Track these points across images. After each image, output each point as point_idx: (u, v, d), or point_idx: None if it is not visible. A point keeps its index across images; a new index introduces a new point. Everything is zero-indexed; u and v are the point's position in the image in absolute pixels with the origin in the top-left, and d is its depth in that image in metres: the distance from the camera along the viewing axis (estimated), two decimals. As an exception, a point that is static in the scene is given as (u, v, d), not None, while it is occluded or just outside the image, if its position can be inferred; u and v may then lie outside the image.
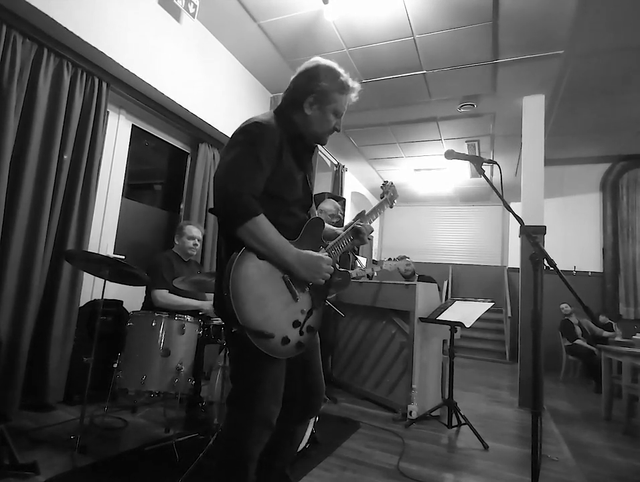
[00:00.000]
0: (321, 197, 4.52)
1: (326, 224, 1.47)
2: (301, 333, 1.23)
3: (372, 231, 1.48)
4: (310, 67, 1.29)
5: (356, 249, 4.87)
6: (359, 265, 4.17)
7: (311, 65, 1.30)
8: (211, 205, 3.98)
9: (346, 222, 6.62)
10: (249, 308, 1.10)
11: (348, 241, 1.42)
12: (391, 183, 1.67)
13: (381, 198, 1.64)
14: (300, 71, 1.31)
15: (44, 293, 2.60)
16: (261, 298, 1.13)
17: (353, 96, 1.34)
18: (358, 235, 1.42)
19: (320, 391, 1.43)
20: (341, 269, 1.41)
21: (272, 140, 1.19)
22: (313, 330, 1.28)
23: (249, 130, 1.20)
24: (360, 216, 1.49)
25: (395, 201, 1.69)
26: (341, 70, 1.30)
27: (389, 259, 3.28)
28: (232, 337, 1.22)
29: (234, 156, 1.15)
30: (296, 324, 1.21)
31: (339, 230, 1.47)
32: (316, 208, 2.32)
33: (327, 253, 1.32)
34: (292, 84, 1.32)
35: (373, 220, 1.52)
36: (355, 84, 1.32)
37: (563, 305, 5.62)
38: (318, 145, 1.45)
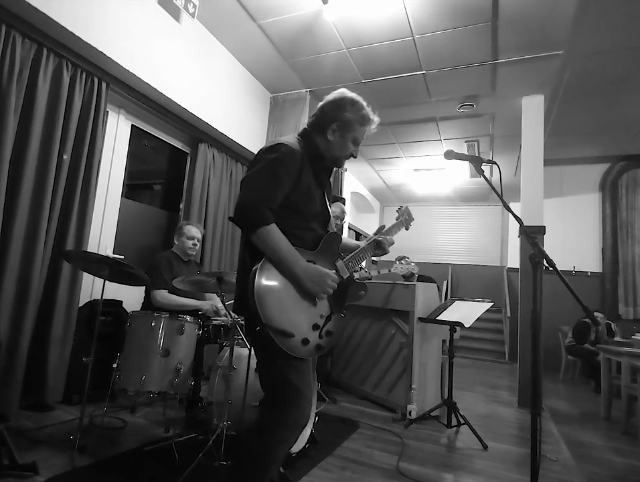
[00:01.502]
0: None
1: (346, 238, 1.59)
2: (320, 336, 1.31)
3: (393, 243, 1.61)
4: (338, 98, 1.41)
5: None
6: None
7: (338, 96, 1.41)
8: (210, 205, 3.99)
9: (346, 223, 6.62)
10: (272, 308, 1.18)
11: (367, 254, 1.53)
12: (406, 207, 1.79)
13: (397, 220, 1.74)
14: (328, 100, 1.43)
15: (43, 293, 2.60)
16: (282, 301, 1.22)
17: (372, 128, 1.45)
18: (380, 246, 1.56)
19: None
20: (358, 281, 1.48)
21: (293, 159, 1.29)
22: (332, 334, 1.36)
23: (273, 148, 1.30)
24: (379, 231, 1.60)
25: (411, 224, 1.80)
26: (364, 103, 1.42)
27: (399, 261, 3.27)
28: (258, 339, 1.29)
29: (255, 172, 1.27)
30: (315, 327, 1.29)
31: (361, 243, 1.57)
32: None
33: (343, 263, 1.42)
34: (320, 110, 1.43)
35: (391, 237, 1.63)
36: (375, 118, 1.44)
37: (597, 314, 5.45)
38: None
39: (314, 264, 1.30)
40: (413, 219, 1.81)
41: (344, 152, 1.43)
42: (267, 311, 1.17)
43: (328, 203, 1.46)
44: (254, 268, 1.19)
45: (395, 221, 1.73)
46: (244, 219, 1.22)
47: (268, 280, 1.20)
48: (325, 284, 1.27)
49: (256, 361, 1.35)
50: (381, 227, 1.62)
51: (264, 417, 1.26)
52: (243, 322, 1.88)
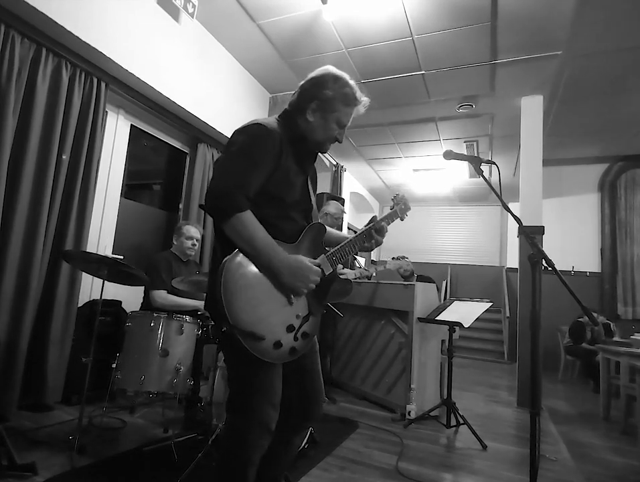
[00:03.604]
0: (320, 197, 4.51)
1: (331, 229, 1.46)
2: (296, 339, 1.19)
3: (386, 231, 1.44)
4: (319, 75, 1.28)
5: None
6: (357, 265, 4.17)
7: (321, 72, 1.29)
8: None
9: (345, 223, 6.62)
10: (240, 308, 1.07)
11: (353, 247, 1.38)
12: (403, 196, 1.60)
13: (391, 209, 1.58)
14: (309, 77, 1.30)
15: (42, 293, 2.60)
16: (253, 299, 1.10)
17: (362, 107, 1.31)
18: (381, 232, 1.41)
19: (318, 398, 1.36)
20: (342, 277, 1.37)
21: (269, 140, 1.18)
22: (309, 336, 1.25)
23: (247, 129, 1.21)
24: (373, 221, 1.45)
25: (406, 214, 1.63)
26: (350, 82, 1.29)
27: (393, 258, 3.26)
28: (225, 339, 1.20)
29: (229, 155, 1.17)
30: (290, 328, 1.18)
31: (348, 236, 1.43)
32: (318, 210, 2.29)
33: (326, 258, 1.28)
34: (300, 88, 1.30)
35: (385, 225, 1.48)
36: (362, 98, 1.30)
37: (600, 317, 5.47)
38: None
39: None
40: (409, 209, 1.63)
41: (327, 134, 1.29)
42: (235, 311, 1.06)
43: (310, 192, 1.34)
44: (223, 261, 1.08)
45: (390, 210, 1.57)
46: (215, 206, 1.09)
47: (238, 275, 1.08)
48: (307, 278, 1.15)
49: (224, 360, 1.26)
50: (374, 218, 1.45)
51: (229, 422, 1.20)
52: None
